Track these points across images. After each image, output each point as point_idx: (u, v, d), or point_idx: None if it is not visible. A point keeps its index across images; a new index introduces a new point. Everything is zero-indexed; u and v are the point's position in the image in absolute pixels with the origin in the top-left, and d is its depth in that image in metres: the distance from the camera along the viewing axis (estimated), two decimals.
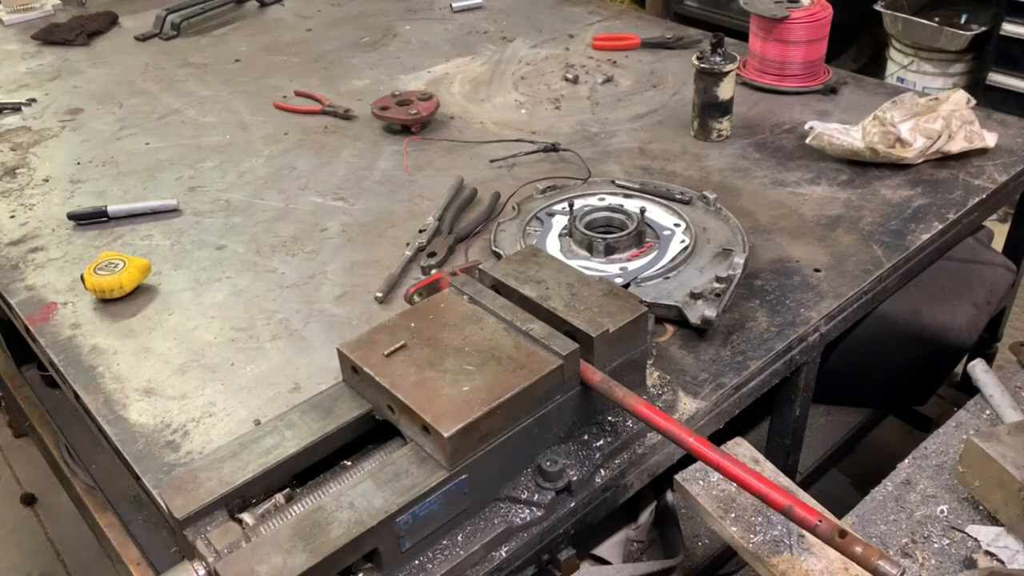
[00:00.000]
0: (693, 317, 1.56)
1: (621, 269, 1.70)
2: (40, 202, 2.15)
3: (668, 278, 1.67)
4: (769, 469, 1.47)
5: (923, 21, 3.87)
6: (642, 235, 1.77)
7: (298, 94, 2.60)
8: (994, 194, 1.97)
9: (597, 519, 1.36)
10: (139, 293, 1.80)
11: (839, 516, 1.38)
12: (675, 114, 2.36)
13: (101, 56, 2.97)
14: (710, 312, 1.56)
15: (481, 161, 2.20)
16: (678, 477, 1.47)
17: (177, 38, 3.06)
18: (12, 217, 2.10)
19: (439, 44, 2.91)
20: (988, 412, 1.64)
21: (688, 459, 1.37)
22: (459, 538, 1.22)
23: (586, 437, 1.34)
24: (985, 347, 2.50)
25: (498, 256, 1.77)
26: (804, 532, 1.34)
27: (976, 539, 1.40)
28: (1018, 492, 1.35)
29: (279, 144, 2.35)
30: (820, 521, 1.10)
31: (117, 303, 1.78)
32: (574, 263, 1.61)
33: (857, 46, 4.53)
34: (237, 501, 1.18)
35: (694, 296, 1.60)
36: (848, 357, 1.95)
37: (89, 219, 2.04)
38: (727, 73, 2.13)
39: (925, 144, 2.00)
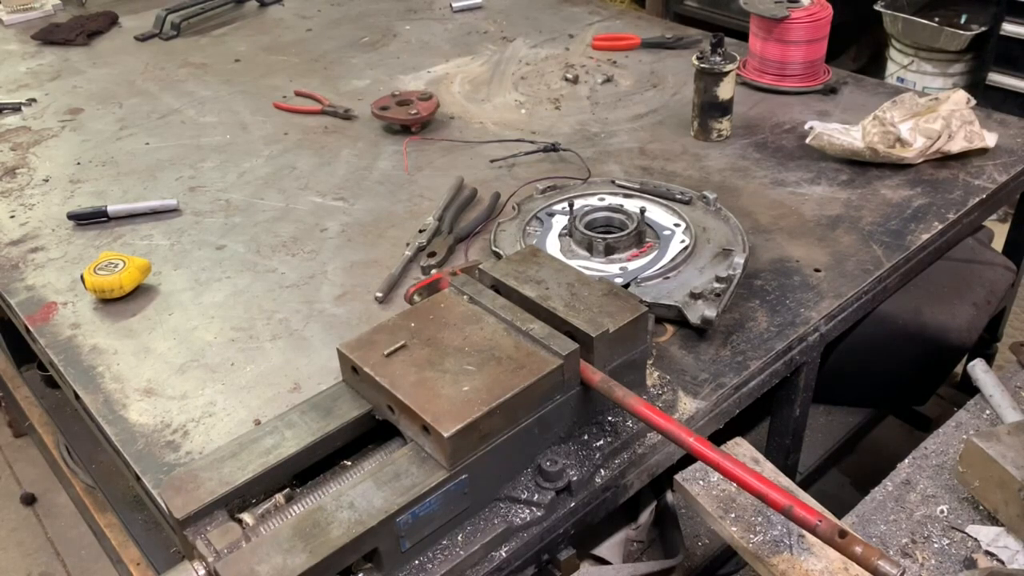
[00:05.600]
0: (693, 317, 1.56)
1: (621, 269, 1.70)
2: (40, 202, 2.15)
3: (668, 278, 1.67)
4: (769, 469, 1.47)
5: (923, 21, 3.86)
6: (642, 235, 1.77)
7: (298, 94, 2.60)
8: (994, 194, 1.97)
9: (597, 519, 1.36)
10: (139, 293, 1.80)
11: (839, 516, 1.38)
12: (675, 114, 2.36)
13: (101, 56, 2.97)
14: (710, 312, 1.56)
15: (481, 161, 2.20)
16: (678, 477, 1.47)
17: (177, 38, 3.06)
18: (12, 217, 2.10)
19: (439, 44, 2.91)
20: (988, 412, 1.64)
21: (688, 459, 1.37)
22: (459, 538, 1.22)
23: (586, 437, 1.34)
24: (985, 347, 2.51)
25: (498, 256, 1.77)
26: (804, 532, 1.34)
27: (976, 539, 1.40)
28: (1018, 492, 1.35)
29: (279, 144, 2.36)
30: (820, 521, 1.10)
31: (117, 303, 1.78)
32: (574, 263, 1.61)
33: (857, 46, 4.53)
34: (237, 501, 1.18)
35: (694, 296, 1.60)
36: (848, 357, 1.95)
37: (89, 219, 2.04)
38: (727, 73, 2.13)
39: (925, 144, 2.00)
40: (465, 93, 2.57)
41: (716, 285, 1.63)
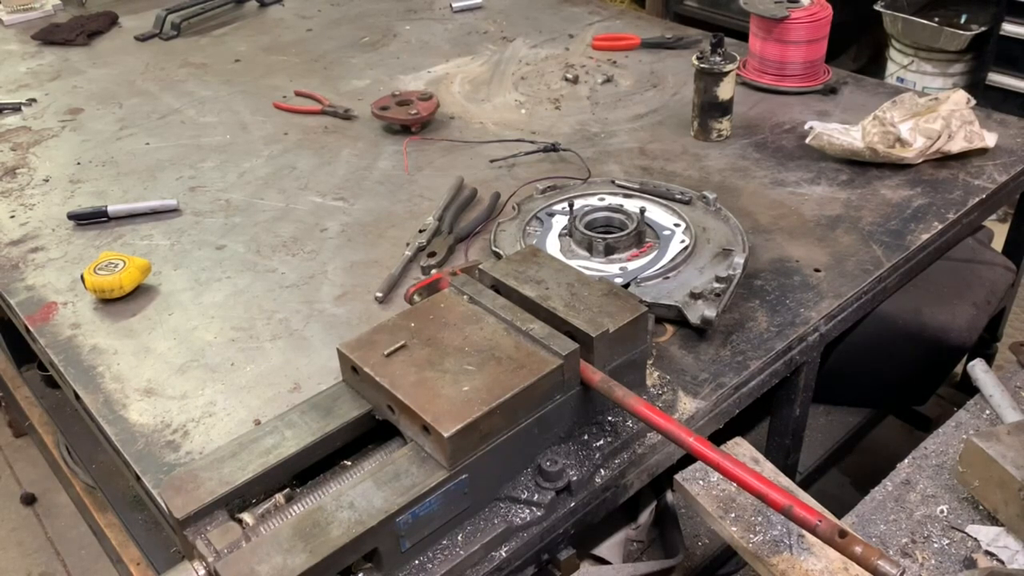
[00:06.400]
0: (693, 317, 1.56)
1: (621, 269, 1.70)
2: (40, 202, 2.15)
3: (668, 278, 1.67)
4: (769, 469, 1.47)
5: (923, 21, 3.86)
6: (642, 235, 1.77)
7: (298, 94, 2.60)
8: (994, 194, 1.97)
9: (597, 519, 1.36)
10: (139, 293, 1.80)
11: (839, 516, 1.38)
12: (675, 114, 2.36)
13: (101, 56, 2.97)
14: (710, 312, 1.56)
15: (481, 161, 2.20)
16: (678, 477, 1.47)
17: (177, 38, 3.06)
18: (12, 217, 2.10)
19: (439, 44, 2.91)
20: (988, 412, 1.64)
21: (688, 459, 1.37)
22: (459, 538, 1.22)
23: (586, 437, 1.34)
24: (985, 347, 2.50)
25: (498, 256, 1.77)
26: (804, 532, 1.34)
27: (976, 539, 1.40)
28: (1018, 492, 1.35)
29: (279, 144, 2.36)
30: (820, 521, 1.10)
31: (117, 303, 1.78)
32: (574, 263, 1.61)
33: (857, 46, 4.53)
34: (237, 501, 1.18)
35: (694, 296, 1.60)
36: (848, 357, 1.95)
37: (89, 219, 2.04)
38: (727, 73, 2.13)
39: (925, 144, 2.00)
40: (465, 93, 2.57)
41: (716, 285, 1.63)
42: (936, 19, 3.88)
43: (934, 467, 1.53)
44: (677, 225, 1.81)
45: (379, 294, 1.73)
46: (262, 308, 1.75)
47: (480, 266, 1.44)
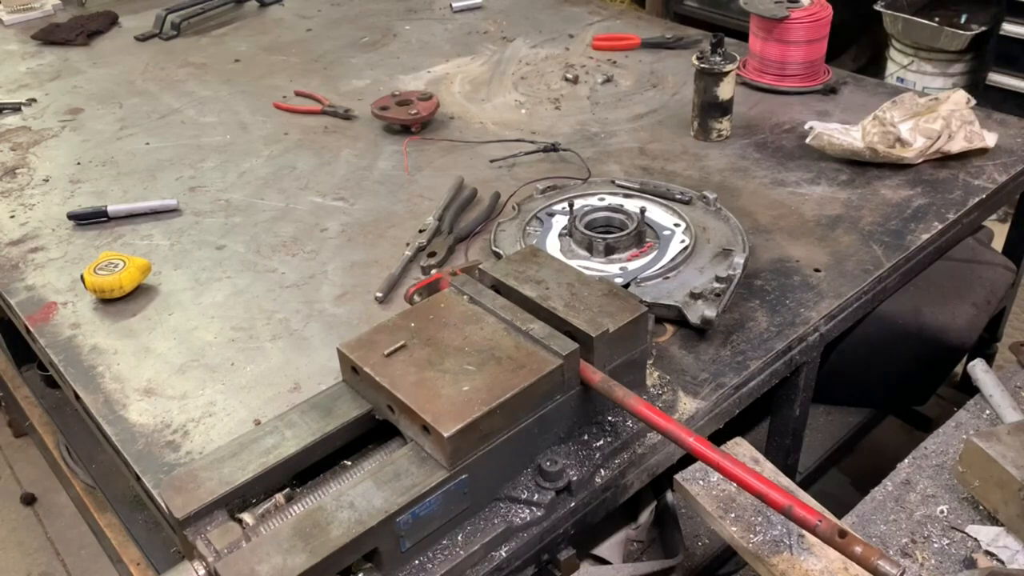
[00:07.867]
0: (693, 317, 1.56)
1: (621, 269, 1.70)
2: (40, 202, 2.15)
3: (668, 278, 1.67)
4: (769, 469, 1.47)
5: (923, 21, 3.86)
6: (642, 235, 1.77)
7: (298, 94, 2.60)
8: (994, 194, 1.97)
9: (597, 519, 1.36)
10: (139, 293, 1.80)
11: (839, 516, 1.38)
12: (675, 114, 2.36)
13: (101, 56, 2.97)
14: (710, 312, 1.56)
15: (481, 161, 2.20)
16: (678, 477, 1.47)
17: (177, 38, 3.06)
18: (12, 217, 2.10)
19: (439, 44, 2.91)
20: (988, 412, 1.64)
21: (688, 459, 1.37)
22: (459, 538, 1.22)
23: (586, 437, 1.34)
24: (985, 347, 2.50)
25: (498, 256, 1.77)
26: (804, 532, 1.34)
27: (976, 539, 1.40)
28: (1018, 492, 1.35)
29: (279, 144, 2.35)
30: (820, 521, 1.10)
31: (117, 303, 1.78)
32: (574, 263, 1.61)
33: (857, 46, 4.53)
34: (237, 501, 1.19)
35: (694, 296, 1.60)
36: (848, 357, 1.95)
37: (89, 219, 2.04)
38: (727, 73, 2.13)
39: (925, 144, 2.00)
40: (465, 93, 2.57)
41: (716, 285, 1.63)
42: (936, 19, 3.88)
43: (934, 467, 1.53)
44: (677, 225, 1.81)
45: (379, 294, 1.73)
46: (262, 308, 1.75)
47: (480, 266, 1.44)
